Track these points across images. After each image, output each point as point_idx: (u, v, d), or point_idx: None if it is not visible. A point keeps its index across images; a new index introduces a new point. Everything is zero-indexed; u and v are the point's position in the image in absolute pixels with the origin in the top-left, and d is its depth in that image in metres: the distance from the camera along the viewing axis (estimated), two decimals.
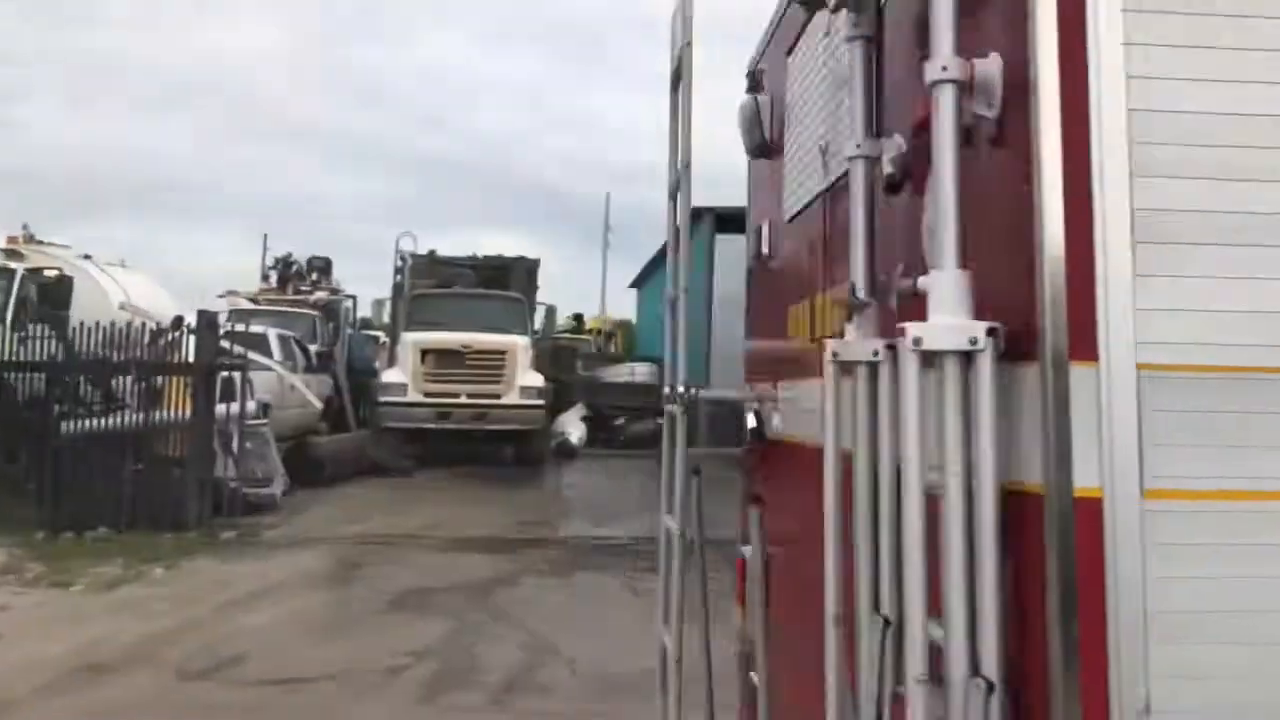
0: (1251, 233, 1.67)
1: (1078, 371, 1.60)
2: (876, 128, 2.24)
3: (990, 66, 1.76)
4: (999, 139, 1.76)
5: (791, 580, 3.01)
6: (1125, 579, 1.59)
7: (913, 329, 1.74)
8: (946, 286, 1.74)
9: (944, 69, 1.76)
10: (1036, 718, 1.60)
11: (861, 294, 2.17)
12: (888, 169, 2.15)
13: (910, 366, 1.77)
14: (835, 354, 2.17)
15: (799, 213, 3.04)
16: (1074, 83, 1.64)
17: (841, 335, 2.24)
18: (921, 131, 1.88)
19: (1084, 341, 1.61)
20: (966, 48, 1.77)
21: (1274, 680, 1.62)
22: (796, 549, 2.91)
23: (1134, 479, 1.61)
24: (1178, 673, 1.59)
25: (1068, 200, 1.62)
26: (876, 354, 2.00)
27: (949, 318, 1.71)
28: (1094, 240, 1.62)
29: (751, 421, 3.41)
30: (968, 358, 1.68)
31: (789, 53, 3.15)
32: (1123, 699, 1.57)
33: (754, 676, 3.30)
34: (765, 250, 3.50)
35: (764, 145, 3.37)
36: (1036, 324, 1.62)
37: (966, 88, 1.76)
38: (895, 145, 2.12)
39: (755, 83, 3.43)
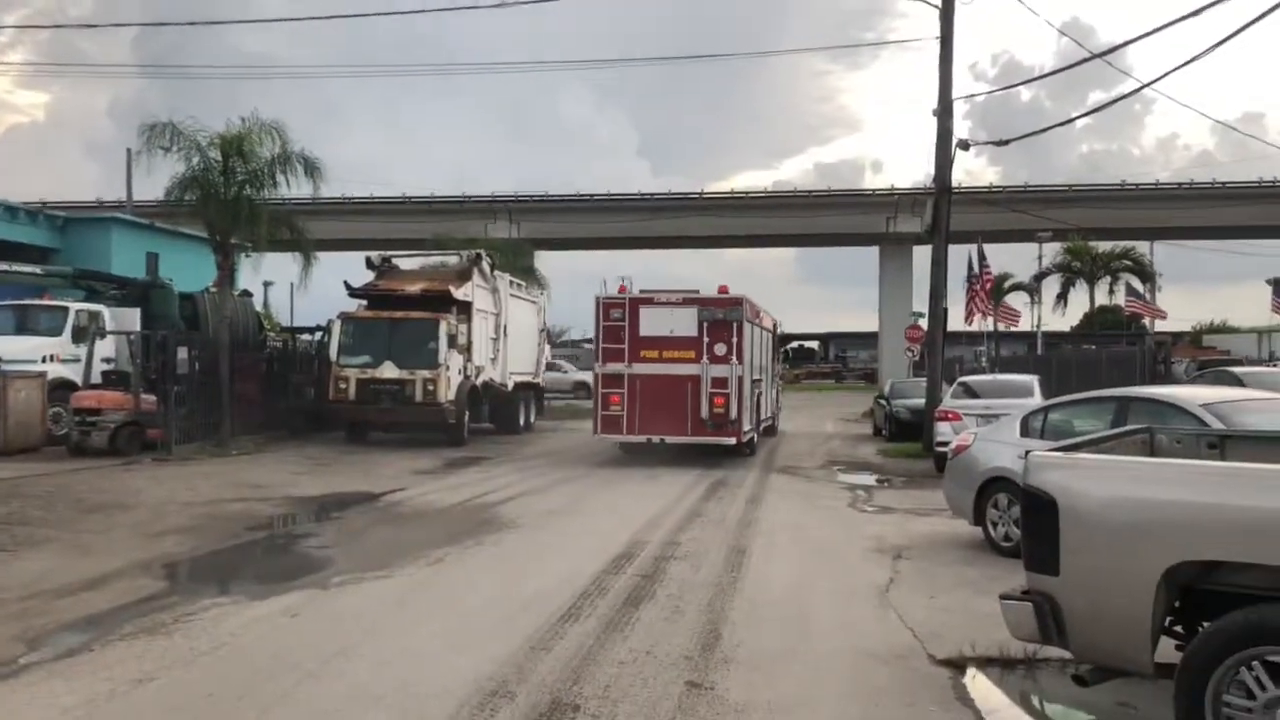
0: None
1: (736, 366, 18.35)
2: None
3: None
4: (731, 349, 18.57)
5: (647, 391, 18.46)
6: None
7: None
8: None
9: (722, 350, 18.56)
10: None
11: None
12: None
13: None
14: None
15: (647, 336, 18.70)
16: (738, 346, 18.53)
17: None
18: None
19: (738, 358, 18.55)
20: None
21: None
22: (651, 385, 18.45)
23: (739, 374, 18.42)
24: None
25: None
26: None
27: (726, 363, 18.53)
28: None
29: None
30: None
31: (642, 306, 18.86)
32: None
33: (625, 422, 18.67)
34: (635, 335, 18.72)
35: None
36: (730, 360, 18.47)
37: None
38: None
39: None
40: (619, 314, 18.70)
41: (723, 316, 18.55)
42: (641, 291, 19.39)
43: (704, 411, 18.25)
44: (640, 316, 18.64)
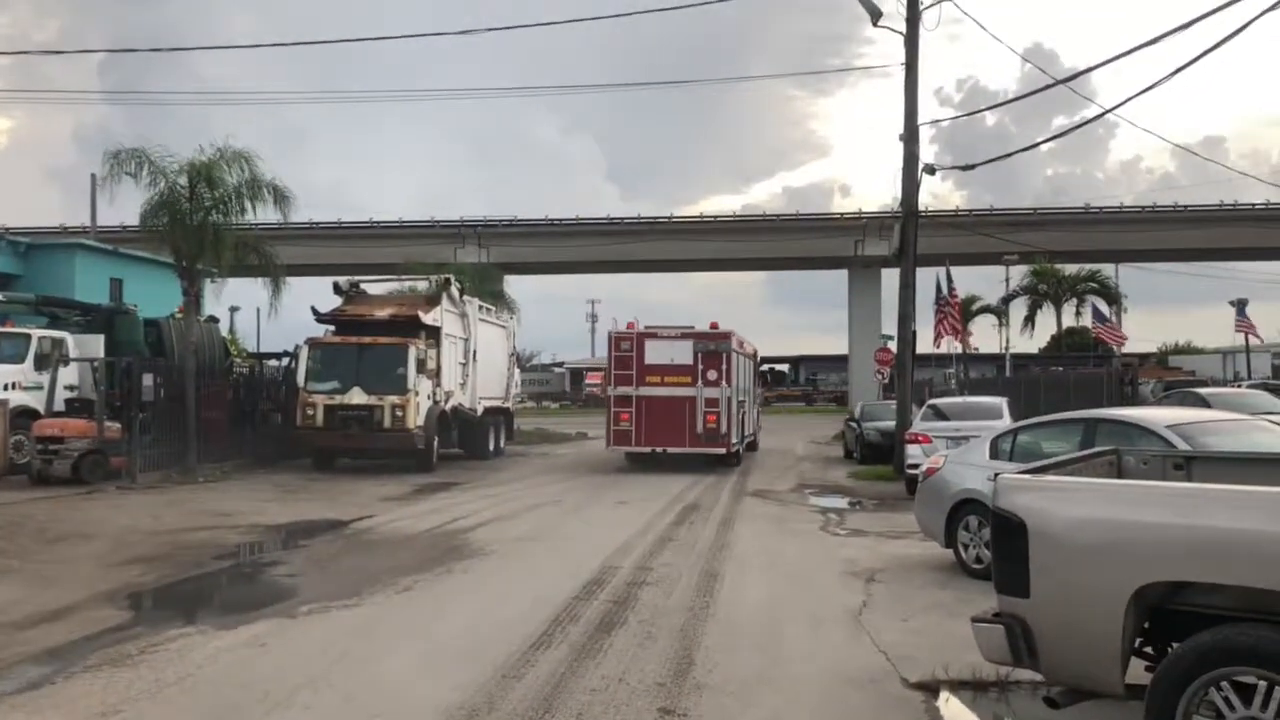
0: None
1: (725, 389, 22.05)
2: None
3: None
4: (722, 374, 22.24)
5: (651, 410, 21.86)
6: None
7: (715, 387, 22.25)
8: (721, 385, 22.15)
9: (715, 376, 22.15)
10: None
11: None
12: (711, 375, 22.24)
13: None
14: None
15: (651, 364, 22.09)
16: (727, 372, 22.22)
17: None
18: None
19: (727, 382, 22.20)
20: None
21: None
22: (655, 405, 21.87)
23: (728, 396, 22.12)
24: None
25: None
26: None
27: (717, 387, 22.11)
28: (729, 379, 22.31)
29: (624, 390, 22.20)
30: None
31: (647, 339, 22.37)
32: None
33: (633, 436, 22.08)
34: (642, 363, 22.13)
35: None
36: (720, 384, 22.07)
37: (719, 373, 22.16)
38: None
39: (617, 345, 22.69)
40: (628, 346, 22.23)
41: (714, 348, 22.10)
42: (646, 327, 22.95)
43: (699, 427, 21.73)
44: (645, 348, 22.12)
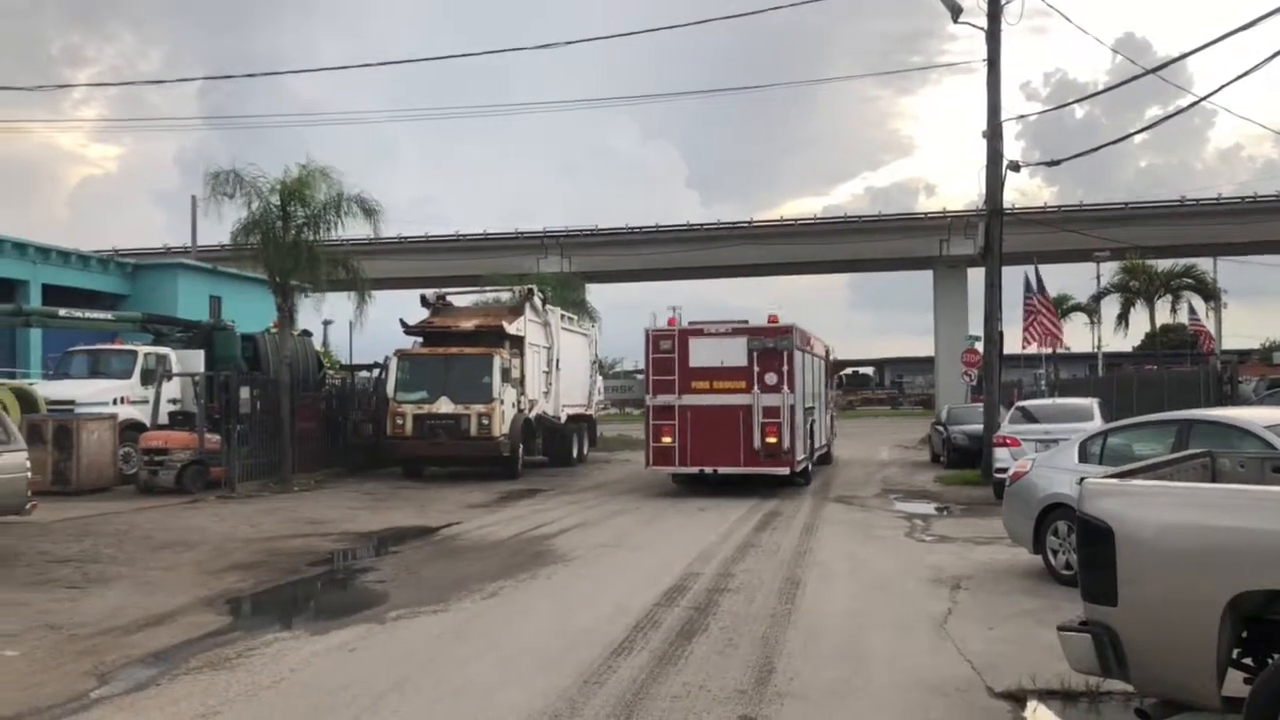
0: None
1: (788, 394, 18.12)
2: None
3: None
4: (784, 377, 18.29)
5: (698, 423, 18.24)
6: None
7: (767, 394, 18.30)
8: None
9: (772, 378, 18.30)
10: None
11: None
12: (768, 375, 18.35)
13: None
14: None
15: (697, 367, 18.41)
16: (789, 375, 18.29)
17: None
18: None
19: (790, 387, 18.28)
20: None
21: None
22: (703, 417, 18.23)
23: (791, 403, 18.26)
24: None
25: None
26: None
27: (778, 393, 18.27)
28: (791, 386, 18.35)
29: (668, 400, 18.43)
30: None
31: (691, 337, 18.59)
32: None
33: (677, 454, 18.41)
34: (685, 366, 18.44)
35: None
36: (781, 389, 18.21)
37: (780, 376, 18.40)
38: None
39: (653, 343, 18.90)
40: (668, 346, 18.48)
41: (772, 345, 18.21)
42: (690, 323, 19.16)
43: (756, 442, 17.91)
44: (690, 348, 18.39)
